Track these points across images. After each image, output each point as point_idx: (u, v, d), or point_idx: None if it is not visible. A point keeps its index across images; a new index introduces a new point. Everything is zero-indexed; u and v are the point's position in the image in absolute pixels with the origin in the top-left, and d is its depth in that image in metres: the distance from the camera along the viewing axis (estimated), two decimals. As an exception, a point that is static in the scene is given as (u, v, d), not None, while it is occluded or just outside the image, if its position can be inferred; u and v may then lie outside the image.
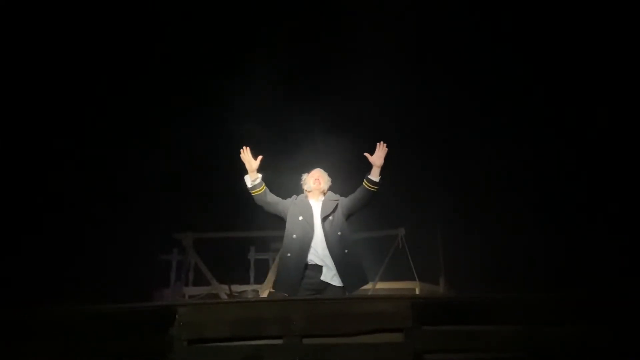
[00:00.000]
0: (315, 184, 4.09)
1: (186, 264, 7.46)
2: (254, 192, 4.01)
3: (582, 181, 7.04)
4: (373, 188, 3.94)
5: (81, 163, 7.23)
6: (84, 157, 7.28)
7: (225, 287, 7.22)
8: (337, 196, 4.12)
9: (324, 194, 4.12)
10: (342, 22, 7.55)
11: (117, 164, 7.49)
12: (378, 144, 3.97)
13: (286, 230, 3.97)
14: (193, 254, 7.31)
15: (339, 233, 3.88)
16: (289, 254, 3.86)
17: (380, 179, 3.94)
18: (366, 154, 3.98)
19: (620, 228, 6.49)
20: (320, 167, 4.27)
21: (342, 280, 3.76)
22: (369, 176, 3.94)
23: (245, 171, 4.04)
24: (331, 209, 3.96)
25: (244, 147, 4.02)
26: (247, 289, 7.43)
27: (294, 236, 3.89)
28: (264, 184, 4.03)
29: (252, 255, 7.86)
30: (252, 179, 4.00)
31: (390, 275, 7.29)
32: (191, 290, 7.43)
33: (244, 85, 7.88)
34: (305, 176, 4.22)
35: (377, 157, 3.94)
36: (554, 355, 2.72)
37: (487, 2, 7.19)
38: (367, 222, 7.34)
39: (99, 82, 7.24)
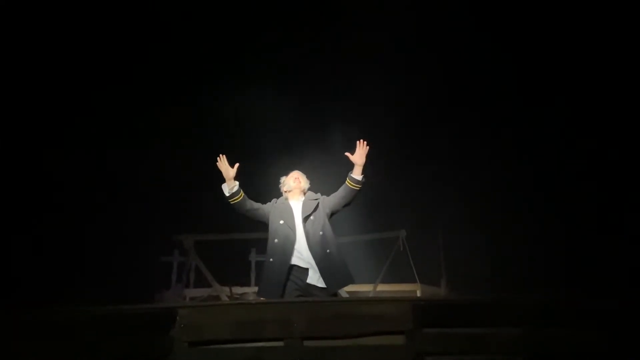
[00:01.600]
0: (296, 183, 4.06)
1: (187, 265, 7.46)
2: (232, 201, 3.95)
3: (583, 183, 7.03)
4: (356, 187, 3.91)
5: (82, 164, 7.23)
6: (85, 159, 7.28)
7: (226, 289, 7.23)
8: (318, 195, 4.08)
9: (304, 193, 4.09)
10: (337, 22, 7.56)
11: (118, 166, 7.49)
12: (358, 142, 3.92)
13: (269, 235, 3.93)
14: (194, 255, 7.31)
15: (321, 233, 3.83)
16: (271, 259, 3.81)
17: (364, 177, 3.91)
18: (347, 154, 3.93)
19: (621, 230, 6.48)
20: (305, 170, 4.26)
21: (324, 280, 3.70)
22: (352, 174, 3.91)
23: (222, 180, 3.99)
24: (312, 209, 3.92)
25: (220, 155, 3.97)
26: (248, 291, 7.44)
27: (276, 241, 3.84)
28: (242, 191, 3.97)
29: (253, 257, 7.87)
30: (230, 187, 3.95)
31: (391, 277, 7.29)
32: (192, 292, 7.44)
33: (243, 87, 7.90)
34: (283, 179, 4.19)
35: (358, 155, 3.89)
36: (555, 357, 2.72)
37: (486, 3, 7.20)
38: (368, 224, 7.36)
39: (99, 81, 7.24)
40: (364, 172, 3.92)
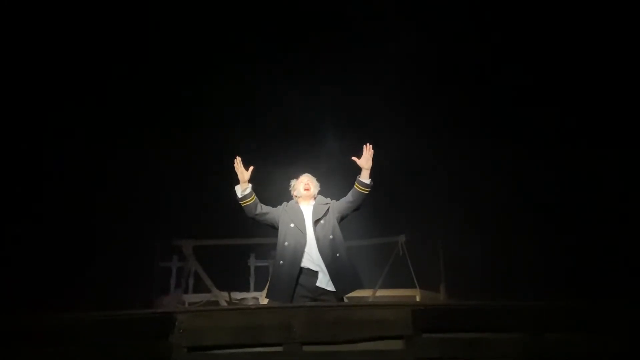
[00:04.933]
0: (306, 190, 4.10)
1: (186, 271, 7.45)
2: (243, 203, 3.99)
3: (585, 189, 7.03)
4: (364, 190, 3.95)
5: (80, 169, 7.21)
6: (84, 163, 7.26)
7: (225, 294, 7.22)
8: (328, 200, 4.12)
9: (314, 198, 4.12)
10: (343, 25, 7.57)
11: (117, 171, 7.48)
12: (364, 146, 3.97)
13: (278, 238, 3.96)
14: (193, 261, 7.30)
15: (331, 237, 3.87)
16: (281, 262, 3.84)
17: (371, 181, 3.95)
18: (354, 158, 3.98)
19: (622, 233, 6.48)
20: (311, 172, 4.29)
21: (334, 284, 3.73)
22: (360, 178, 3.96)
23: (236, 182, 4.03)
24: (322, 213, 3.97)
25: (237, 158, 4.02)
26: (247, 296, 7.43)
27: (286, 244, 3.87)
28: (254, 194, 4.01)
29: (252, 262, 7.87)
30: (243, 189, 3.99)
31: (391, 282, 7.28)
32: (191, 298, 7.43)
33: (244, 90, 7.90)
34: (293, 182, 4.23)
35: (365, 159, 3.94)
36: (555, 362, 2.71)
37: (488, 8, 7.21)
38: (368, 229, 7.35)
39: (98, 85, 7.21)
40: (371, 175, 3.96)
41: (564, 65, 7.10)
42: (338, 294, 3.76)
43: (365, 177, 3.94)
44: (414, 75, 7.56)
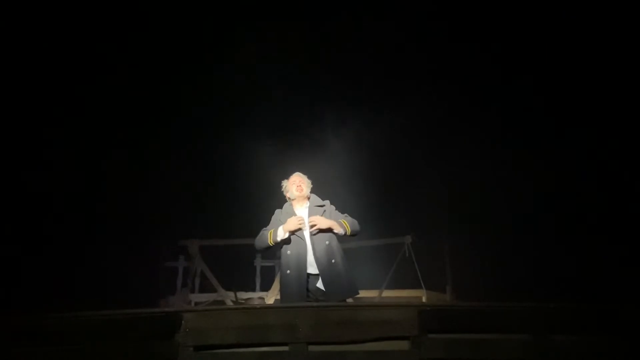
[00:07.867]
0: (298, 191, 4.04)
1: (192, 270, 7.47)
2: (272, 243, 3.92)
3: (590, 190, 6.99)
4: (348, 237, 3.93)
5: (86, 169, 7.24)
6: (89, 166, 7.29)
7: (231, 294, 7.23)
8: (325, 202, 4.07)
9: (308, 198, 4.08)
10: (344, 36, 7.58)
11: (123, 171, 7.51)
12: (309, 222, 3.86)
13: (282, 247, 3.95)
14: (199, 261, 7.32)
15: (327, 242, 3.83)
16: (288, 271, 3.82)
17: (347, 230, 3.87)
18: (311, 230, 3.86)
19: (628, 234, 6.44)
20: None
21: (326, 290, 3.70)
22: (336, 233, 3.88)
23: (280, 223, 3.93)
24: (318, 215, 3.92)
25: (305, 221, 3.88)
26: (253, 296, 7.43)
27: (289, 252, 3.86)
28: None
29: (258, 262, 7.88)
30: (283, 236, 3.87)
31: (397, 283, 7.27)
32: (197, 297, 7.45)
33: (250, 92, 7.92)
34: (285, 183, 4.16)
35: (321, 227, 3.82)
36: (561, 364, 2.70)
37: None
38: (374, 230, 7.34)
39: (105, 85, 7.22)
40: (342, 226, 3.87)
41: (569, 69, 7.07)
42: (330, 298, 3.71)
43: (338, 232, 3.86)
44: (413, 76, 7.55)
